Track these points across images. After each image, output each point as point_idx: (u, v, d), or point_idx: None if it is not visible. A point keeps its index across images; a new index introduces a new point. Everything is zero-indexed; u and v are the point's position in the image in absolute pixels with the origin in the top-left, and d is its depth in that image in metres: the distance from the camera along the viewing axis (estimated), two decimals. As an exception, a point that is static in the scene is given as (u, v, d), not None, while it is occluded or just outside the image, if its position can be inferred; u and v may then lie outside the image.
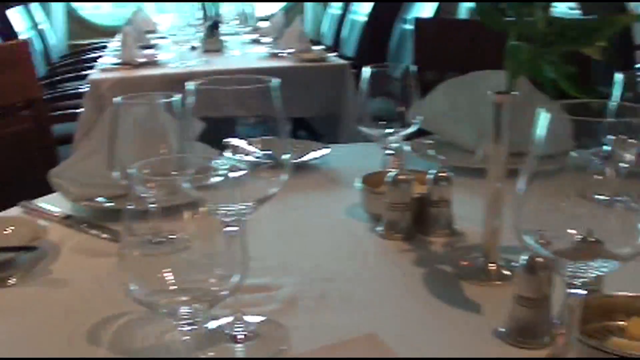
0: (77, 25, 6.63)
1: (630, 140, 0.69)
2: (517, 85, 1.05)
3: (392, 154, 1.39)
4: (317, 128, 3.64)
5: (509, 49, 1.04)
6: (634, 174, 0.71)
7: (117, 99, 1.05)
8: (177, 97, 1.03)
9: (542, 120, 0.71)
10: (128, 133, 1.04)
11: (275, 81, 0.89)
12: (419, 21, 2.52)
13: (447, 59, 2.24)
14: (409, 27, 4.15)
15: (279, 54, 3.43)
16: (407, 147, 1.67)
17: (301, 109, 3.25)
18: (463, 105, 1.62)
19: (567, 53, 1.06)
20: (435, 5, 4.04)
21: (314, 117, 3.55)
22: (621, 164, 0.71)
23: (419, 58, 2.33)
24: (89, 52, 5.68)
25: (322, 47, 3.69)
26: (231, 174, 0.77)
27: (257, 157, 0.93)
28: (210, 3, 3.68)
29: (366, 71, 1.38)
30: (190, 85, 0.91)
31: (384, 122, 1.37)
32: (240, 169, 0.82)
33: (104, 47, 5.55)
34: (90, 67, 4.60)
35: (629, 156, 0.71)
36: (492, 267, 1.11)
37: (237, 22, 3.74)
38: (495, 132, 1.05)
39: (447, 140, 1.67)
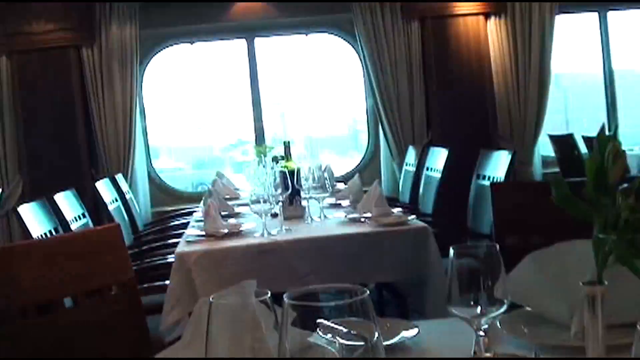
0: (159, 192, 6.88)
1: None
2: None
3: (484, 335, 1.37)
4: (401, 290, 3.63)
5: (594, 241, 1.04)
6: None
7: (210, 300, 1.08)
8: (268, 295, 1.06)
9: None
10: (221, 329, 1.07)
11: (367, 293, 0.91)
12: (494, 185, 2.54)
13: (527, 223, 2.23)
14: (485, 182, 4.18)
15: (358, 219, 3.48)
16: (497, 324, 1.65)
17: (384, 274, 3.27)
18: (552, 278, 1.60)
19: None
20: (507, 158, 4.07)
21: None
22: None
23: (498, 223, 2.34)
24: (172, 220, 5.87)
25: (400, 209, 3.74)
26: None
27: (349, 339, 0.94)
28: (288, 169, 3.78)
29: (451, 251, 1.39)
30: (286, 300, 0.93)
31: (473, 301, 1.37)
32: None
33: (187, 214, 5.76)
34: (175, 236, 4.76)
35: None
36: None
37: (316, 188, 3.83)
38: (591, 323, 1.04)
39: (538, 313, 1.64)
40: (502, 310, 1.37)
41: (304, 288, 0.94)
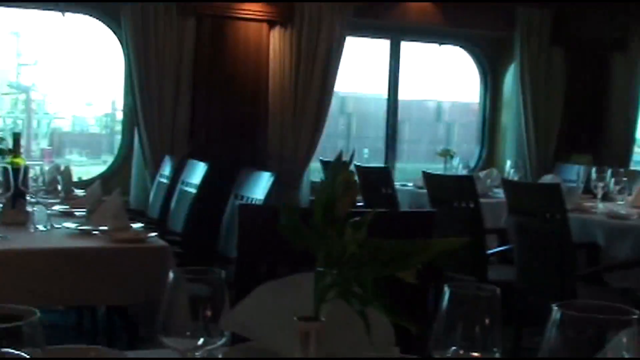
0: None
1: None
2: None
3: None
4: (133, 316, 3.60)
5: (315, 274, 1.10)
6: None
7: None
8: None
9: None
10: None
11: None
12: (242, 208, 2.60)
13: (274, 249, 2.29)
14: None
15: (92, 231, 3.42)
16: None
17: (116, 296, 3.22)
18: (283, 310, 1.66)
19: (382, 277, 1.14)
20: (270, 180, 4.19)
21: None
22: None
23: (242, 247, 2.40)
24: None
25: (141, 224, 3.72)
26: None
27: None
28: (14, 166, 3.61)
29: (170, 275, 1.41)
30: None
31: (190, 332, 1.39)
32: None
33: None
34: None
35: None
36: None
37: (47, 192, 3.72)
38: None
39: (263, 347, 1.70)
40: (219, 343, 1.40)
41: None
